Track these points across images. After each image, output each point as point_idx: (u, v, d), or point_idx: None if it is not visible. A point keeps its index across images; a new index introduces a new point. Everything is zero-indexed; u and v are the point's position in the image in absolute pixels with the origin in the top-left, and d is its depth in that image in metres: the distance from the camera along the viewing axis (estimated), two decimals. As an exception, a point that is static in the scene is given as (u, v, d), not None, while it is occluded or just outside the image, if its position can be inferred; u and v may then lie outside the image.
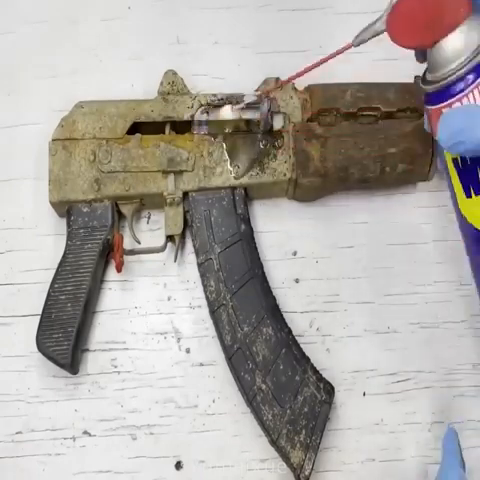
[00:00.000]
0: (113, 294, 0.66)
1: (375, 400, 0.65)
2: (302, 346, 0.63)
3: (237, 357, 0.62)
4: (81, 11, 0.73)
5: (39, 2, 0.73)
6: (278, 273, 0.67)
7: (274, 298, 0.64)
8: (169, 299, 0.67)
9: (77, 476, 0.63)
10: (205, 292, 0.63)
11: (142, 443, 0.64)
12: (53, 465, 0.63)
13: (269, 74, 0.66)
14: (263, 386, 0.61)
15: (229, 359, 0.62)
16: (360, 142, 0.65)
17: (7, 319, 0.66)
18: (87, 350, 0.65)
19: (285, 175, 0.65)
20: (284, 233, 0.69)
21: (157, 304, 0.67)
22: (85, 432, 0.64)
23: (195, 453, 0.64)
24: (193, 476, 0.63)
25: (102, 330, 0.66)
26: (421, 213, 0.69)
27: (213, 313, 0.63)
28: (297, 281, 0.67)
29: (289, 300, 0.67)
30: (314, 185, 0.66)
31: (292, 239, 0.68)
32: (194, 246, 0.65)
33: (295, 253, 0.68)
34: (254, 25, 0.73)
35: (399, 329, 0.66)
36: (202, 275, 0.64)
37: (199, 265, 0.64)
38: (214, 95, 0.66)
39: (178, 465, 0.63)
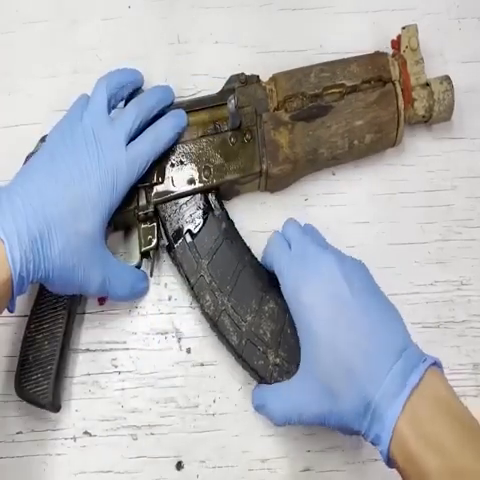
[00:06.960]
0: (113, 294, 0.66)
1: (376, 400, 0.64)
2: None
3: (247, 349, 0.60)
4: (81, 11, 0.73)
5: (39, 2, 0.74)
6: (279, 273, 0.67)
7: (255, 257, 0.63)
8: (170, 299, 0.66)
9: (78, 476, 0.63)
10: (203, 309, 0.61)
11: (143, 443, 0.63)
12: (53, 465, 0.63)
13: (269, 73, 0.67)
14: (277, 360, 0.59)
15: (240, 357, 0.60)
16: (327, 121, 0.65)
17: (7, 319, 0.65)
18: (87, 350, 0.65)
19: (256, 168, 0.64)
20: (285, 233, 0.68)
21: (158, 304, 0.66)
22: (86, 432, 0.64)
23: (196, 453, 0.63)
24: (194, 476, 0.63)
25: (102, 330, 0.66)
26: (422, 213, 0.69)
27: (215, 325, 0.61)
28: (298, 281, 0.67)
29: (290, 300, 0.66)
30: (285, 173, 0.65)
31: (293, 239, 0.68)
32: (180, 271, 0.63)
33: (296, 253, 0.68)
34: (254, 25, 0.73)
35: (400, 329, 0.66)
36: (196, 295, 0.62)
37: (192, 288, 0.62)
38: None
39: (179, 465, 0.63)
